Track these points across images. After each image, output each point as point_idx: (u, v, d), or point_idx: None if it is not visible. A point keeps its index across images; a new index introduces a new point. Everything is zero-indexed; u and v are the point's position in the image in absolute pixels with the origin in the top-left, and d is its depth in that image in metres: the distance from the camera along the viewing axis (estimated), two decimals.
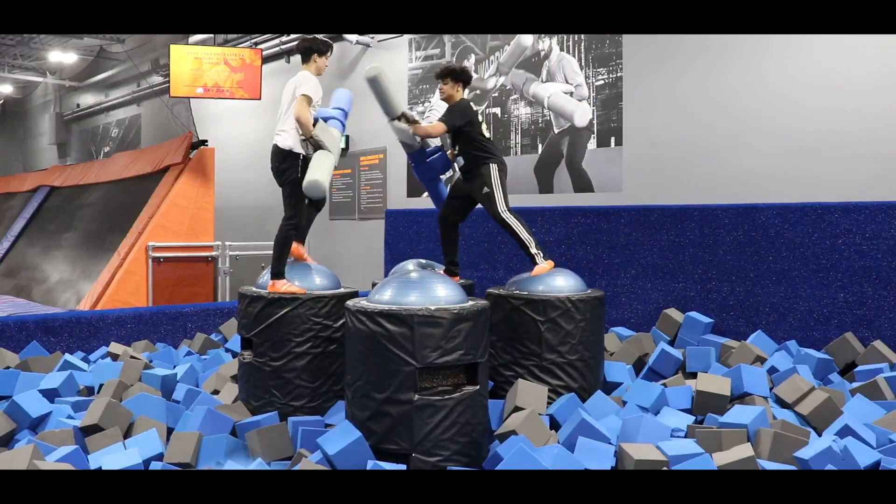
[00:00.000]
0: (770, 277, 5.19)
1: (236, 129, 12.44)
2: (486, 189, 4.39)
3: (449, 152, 4.73)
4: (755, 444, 3.27)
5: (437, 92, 4.63)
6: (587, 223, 6.06)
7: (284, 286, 4.10)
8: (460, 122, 4.40)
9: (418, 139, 4.61)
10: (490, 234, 6.56)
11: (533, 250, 4.30)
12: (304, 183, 4.10)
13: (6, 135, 21.82)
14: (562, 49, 7.91)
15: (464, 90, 4.55)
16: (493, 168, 4.41)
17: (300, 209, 4.24)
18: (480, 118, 4.51)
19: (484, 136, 4.48)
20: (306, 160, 4.18)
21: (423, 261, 4.84)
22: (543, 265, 4.27)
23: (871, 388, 3.97)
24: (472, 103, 4.55)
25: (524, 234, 4.33)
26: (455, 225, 4.69)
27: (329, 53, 4.35)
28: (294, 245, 4.31)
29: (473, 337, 3.28)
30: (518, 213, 4.43)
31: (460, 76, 4.51)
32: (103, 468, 3.14)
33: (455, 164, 4.65)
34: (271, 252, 4.25)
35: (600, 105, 7.50)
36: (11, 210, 14.16)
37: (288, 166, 4.17)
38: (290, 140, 4.16)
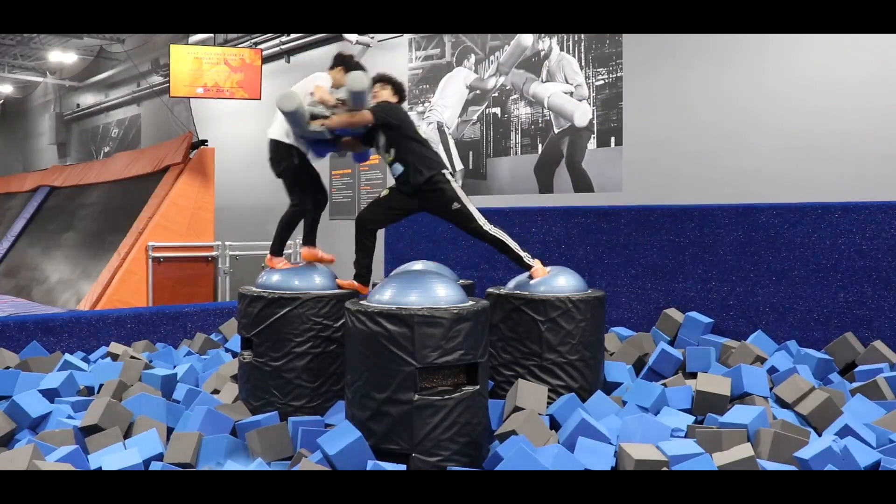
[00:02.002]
0: (770, 277, 5.19)
1: (236, 129, 12.45)
2: (455, 205, 3.97)
3: (346, 140, 4.20)
4: (755, 444, 3.27)
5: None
6: (587, 223, 6.06)
7: (281, 264, 4.27)
8: (393, 119, 3.97)
9: (326, 131, 4.05)
10: None
11: (528, 261, 4.16)
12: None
13: (6, 135, 21.84)
14: (562, 49, 7.91)
15: (395, 97, 4.16)
16: (451, 178, 4.01)
17: (305, 196, 4.34)
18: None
19: (423, 139, 4.06)
20: (300, 152, 4.24)
21: (430, 262, 4.82)
22: (539, 269, 4.17)
23: (871, 388, 3.97)
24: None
25: (513, 244, 4.13)
26: (374, 232, 4.16)
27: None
28: (306, 250, 4.41)
29: (473, 337, 3.28)
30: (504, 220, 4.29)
31: (389, 81, 4.19)
32: (103, 468, 3.13)
33: (390, 171, 4.14)
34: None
35: (600, 105, 7.50)
36: (11, 210, 14.14)
37: (281, 157, 4.27)
38: (276, 132, 4.26)
